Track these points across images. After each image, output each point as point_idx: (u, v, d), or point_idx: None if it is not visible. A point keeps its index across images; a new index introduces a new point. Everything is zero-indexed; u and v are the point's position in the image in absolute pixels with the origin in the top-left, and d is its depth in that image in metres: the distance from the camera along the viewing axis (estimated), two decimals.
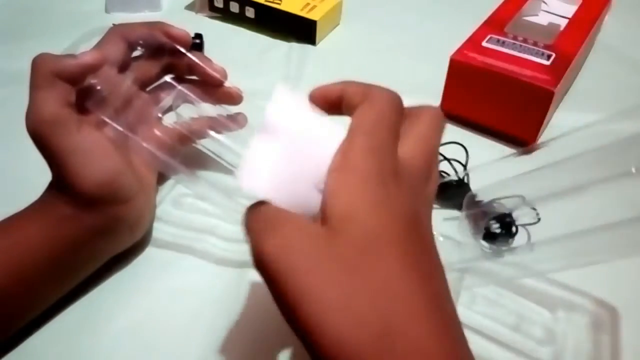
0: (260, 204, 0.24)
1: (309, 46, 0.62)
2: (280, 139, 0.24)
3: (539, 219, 0.40)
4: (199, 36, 0.59)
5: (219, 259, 0.39)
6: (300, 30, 0.61)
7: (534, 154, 0.49)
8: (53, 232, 0.33)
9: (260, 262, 0.22)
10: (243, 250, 0.23)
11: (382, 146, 0.23)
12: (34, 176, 0.44)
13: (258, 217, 0.23)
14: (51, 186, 0.35)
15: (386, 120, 0.24)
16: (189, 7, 0.69)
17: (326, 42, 0.63)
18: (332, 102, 0.26)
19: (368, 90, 0.25)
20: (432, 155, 0.26)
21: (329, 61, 0.59)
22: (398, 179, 0.23)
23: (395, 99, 0.26)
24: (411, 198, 0.23)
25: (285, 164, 0.24)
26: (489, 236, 0.40)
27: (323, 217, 0.22)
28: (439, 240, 0.32)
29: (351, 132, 0.24)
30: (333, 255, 0.21)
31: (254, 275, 0.37)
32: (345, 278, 0.21)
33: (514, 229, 0.40)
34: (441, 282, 0.23)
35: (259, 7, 0.63)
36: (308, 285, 0.21)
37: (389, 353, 0.20)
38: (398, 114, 0.25)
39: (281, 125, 0.24)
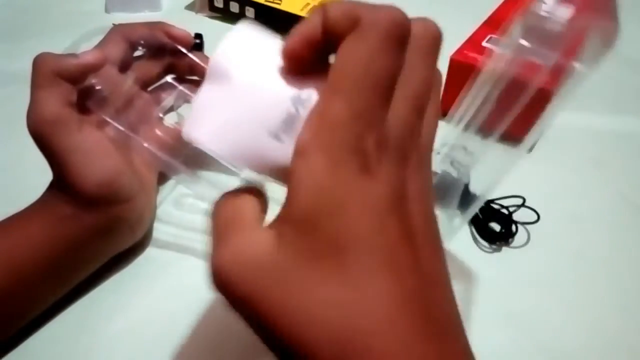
0: (219, 201, 0.21)
1: None
2: (230, 83, 0.20)
3: (539, 218, 0.40)
4: (199, 36, 0.59)
5: None
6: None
7: (534, 153, 0.49)
8: (54, 232, 0.33)
9: (214, 279, 0.19)
10: None
11: (367, 112, 0.18)
12: (34, 176, 0.44)
13: (214, 219, 0.21)
14: (52, 186, 0.35)
15: (378, 65, 0.18)
16: (189, 7, 0.69)
17: None
18: (317, 45, 0.20)
19: (357, 12, 0.19)
20: (422, 113, 0.21)
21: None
22: (381, 153, 0.18)
23: (396, 24, 0.20)
24: (396, 177, 0.19)
25: (233, 111, 0.20)
26: (489, 236, 0.40)
27: (286, 210, 0.19)
28: None
29: (329, 87, 0.18)
30: (289, 263, 0.18)
31: None
32: (304, 288, 0.18)
33: (513, 228, 0.40)
34: (425, 276, 0.19)
35: (259, 7, 0.63)
36: (271, 302, 0.18)
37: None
38: (397, 51, 0.19)
39: (232, 67, 0.20)
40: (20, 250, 0.32)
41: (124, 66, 0.38)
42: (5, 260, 0.32)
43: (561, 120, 0.53)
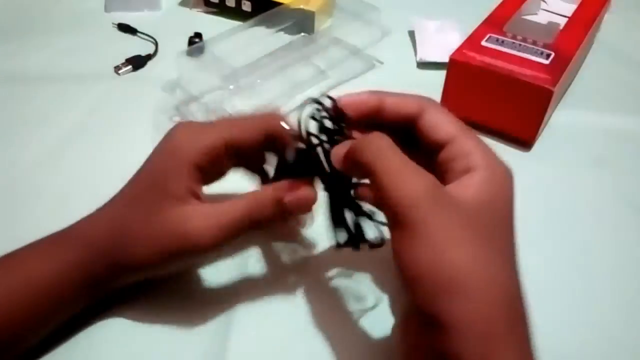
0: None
1: (308, 37, 0.62)
2: None
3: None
4: (198, 35, 0.59)
5: None
6: (299, 21, 0.62)
7: (533, 152, 0.49)
8: (71, 285, 0.31)
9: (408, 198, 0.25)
10: None
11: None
12: (34, 176, 0.45)
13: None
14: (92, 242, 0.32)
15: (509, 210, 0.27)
16: (183, 4, 0.69)
17: (323, 32, 0.63)
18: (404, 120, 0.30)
19: (482, 154, 0.28)
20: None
21: (328, 52, 0.59)
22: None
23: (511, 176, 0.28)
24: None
25: None
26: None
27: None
28: None
29: (478, 231, 0.25)
30: (471, 226, 0.25)
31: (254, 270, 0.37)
32: (483, 252, 0.24)
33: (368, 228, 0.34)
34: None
35: (256, 0, 0.63)
36: (447, 241, 0.24)
37: (520, 319, 0.25)
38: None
39: None
40: (27, 292, 0.30)
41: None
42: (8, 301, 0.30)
43: (561, 119, 0.53)
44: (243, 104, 0.49)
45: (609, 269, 0.39)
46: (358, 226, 0.32)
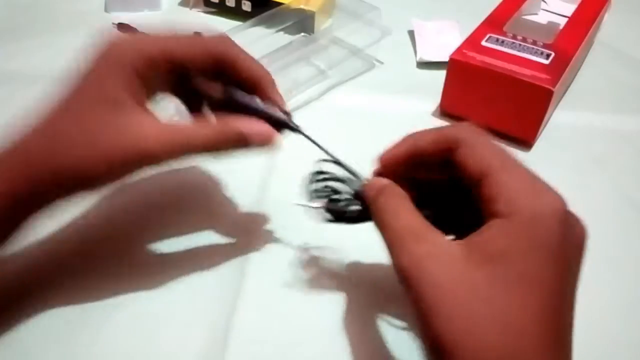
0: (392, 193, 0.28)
1: (308, 37, 0.62)
2: None
3: None
4: (198, 35, 0.59)
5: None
6: (299, 21, 0.62)
7: (533, 152, 0.49)
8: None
9: (404, 267, 0.24)
10: None
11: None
12: None
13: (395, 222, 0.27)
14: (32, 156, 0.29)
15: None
16: (183, 4, 0.69)
17: (323, 32, 0.63)
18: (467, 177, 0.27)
19: (508, 197, 0.25)
20: None
21: (328, 52, 0.59)
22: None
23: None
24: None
25: None
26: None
27: (480, 244, 0.24)
28: None
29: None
30: (476, 287, 0.23)
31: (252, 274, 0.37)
32: (480, 304, 0.22)
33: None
34: (569, 317, 0.24)
35: (256, 0, 0.63)
36: (444, 301, 0.23)
37: None
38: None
39: None
40: None
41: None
42: None
43: (561, 119, 0.53)
44: None
45: (609, 269, 0.39)
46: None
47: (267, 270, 0.37)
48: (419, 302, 0.23)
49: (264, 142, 0.32)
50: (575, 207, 0.44)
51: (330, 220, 0.32)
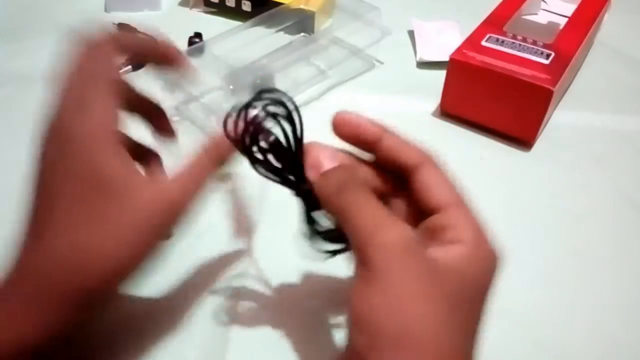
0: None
1: (308, 37, 0.62)
2: None
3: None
4: (198, 35, 0.59)
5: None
6: (299, 21, 0.62)
7: (533, 152, 0.49)
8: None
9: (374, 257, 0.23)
10: None
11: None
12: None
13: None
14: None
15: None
16: (183, 4, 0.69)
17: (323, 32, 0.63)
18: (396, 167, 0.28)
19: (473, 231, 0.26)
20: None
21: (328, 52, 0.59)
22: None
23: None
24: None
25: None
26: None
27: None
28: None
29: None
30: (440, 287, 0.23)
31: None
32: (445, 313, 0.23)
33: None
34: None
35: (256, 0, 0.63)
36: (410, 294, 0.23)
37: None
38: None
39: None
40: None
41: None
42: None
43: (561, 119, 0.53)
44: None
45: (610, 269, 0.39)
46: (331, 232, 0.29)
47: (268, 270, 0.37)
48: (375, 286, 0.23)
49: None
50: (575, 206, 0.44)
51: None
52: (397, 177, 0.28)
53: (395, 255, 0.23)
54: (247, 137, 0.27)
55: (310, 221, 0.29)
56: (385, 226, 0.24)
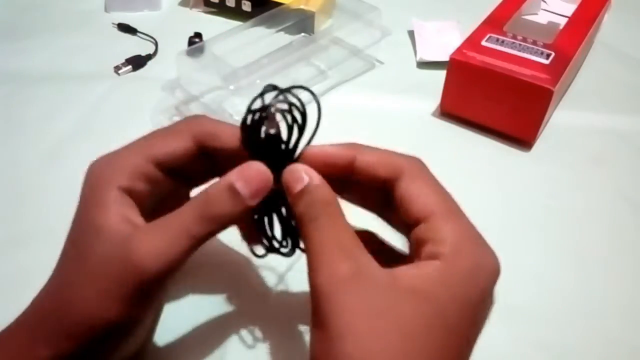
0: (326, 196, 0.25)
1: (308, 37, 0.62)
2: None
3: None
4: (198, 35, 0.59)
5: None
6: (299, 21, 0.62)
7: (533, 152, 0.49)
8: None
9: (320, 285, 0.23)
10: None
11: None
12: (34, 175, 0.45)
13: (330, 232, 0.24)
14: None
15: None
16: (183, 4, 0.69)
17: (323, 33, 0.63)
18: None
19: (453, 241, 0.24)
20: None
21: (328, 52, 0.59)
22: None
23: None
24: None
25: None
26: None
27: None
28: None
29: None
30: (390, 317, 0.22)
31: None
32: (393, 342, 0.21)
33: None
34: None
35: (256, 1, 0.63)
36: (350, 331, 0.22)
37: None
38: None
39: None
40: None
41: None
42: None
43: (561, 119, 0.53)
44: (243, 104, 0.49)
45: (609, 268, 0.39)
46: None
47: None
48: (326, 324, 0.22)
49: (257, 191, 0.26)
50: (575, 206, 0.44)
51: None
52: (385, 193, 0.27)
53: (335, 295, 0.22)
54: (254, 116, 0.27)
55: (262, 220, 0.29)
56: (326, 262, 0.23)
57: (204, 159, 0.28)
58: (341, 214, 0.25)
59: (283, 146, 0.27)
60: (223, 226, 0.26)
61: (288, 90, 0.27)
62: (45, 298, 0.26)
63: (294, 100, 0.27)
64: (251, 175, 0.26)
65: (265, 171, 0.26)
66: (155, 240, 0.24)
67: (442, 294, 0.23)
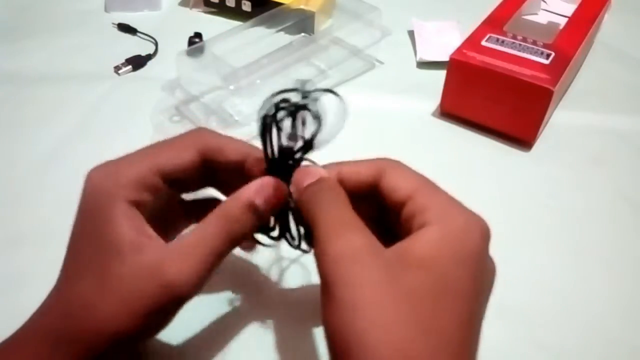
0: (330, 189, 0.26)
1: (308, 37, 0.62)
2: None
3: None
4: (198, 35, 0.59)
5: None
6: (299, 21, 0.62)
7: (533, 152, 0.49)
8: None
9: (326, 261, 0.23)
10: None
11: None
12: (34, 175, 0.45)
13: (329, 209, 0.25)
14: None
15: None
16: (183, 4, 0.69)
17: (323, 33, 0.63)
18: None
19: (439, 209, 0.25)
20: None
21: (328, 52, 0.59)
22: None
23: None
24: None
25: None
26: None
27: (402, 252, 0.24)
28: None
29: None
30: (398, 287, 0.22)
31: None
32: (404, 312, 0.22)
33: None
34: (479, 332, 0.24)
35: (256, 0, 0.63)
36: (362, 302, 0.22)
37: None
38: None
39: None
40: None
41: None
42: None
43: (561, 119, 0.53)
44: (243, 103, 0.49)
45: (609, 268, 0.39)
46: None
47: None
48: (339, 296, 0.23)
49: (274, 205, 0.28)
50: (575, 206, 0.44)
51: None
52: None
53: (346, 264, 0.23)
54: (276, 109, 0.28)
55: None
56: (335, 236, 0.24)
57: (204, 170, 0.29)
58: (347, 199, 0.26)
59: (298, 155, 0.28)
60: (244, 240, 0.28)
61: (304, 107, 0.28)
62: (60, 314, 0.26)
63: (316, 111, 0.28)
64: (270, 193, 0.27)
65: (282, 186, 0.28)
66: (187, 262, 0.25)
67: (439, 256, 0.24)
